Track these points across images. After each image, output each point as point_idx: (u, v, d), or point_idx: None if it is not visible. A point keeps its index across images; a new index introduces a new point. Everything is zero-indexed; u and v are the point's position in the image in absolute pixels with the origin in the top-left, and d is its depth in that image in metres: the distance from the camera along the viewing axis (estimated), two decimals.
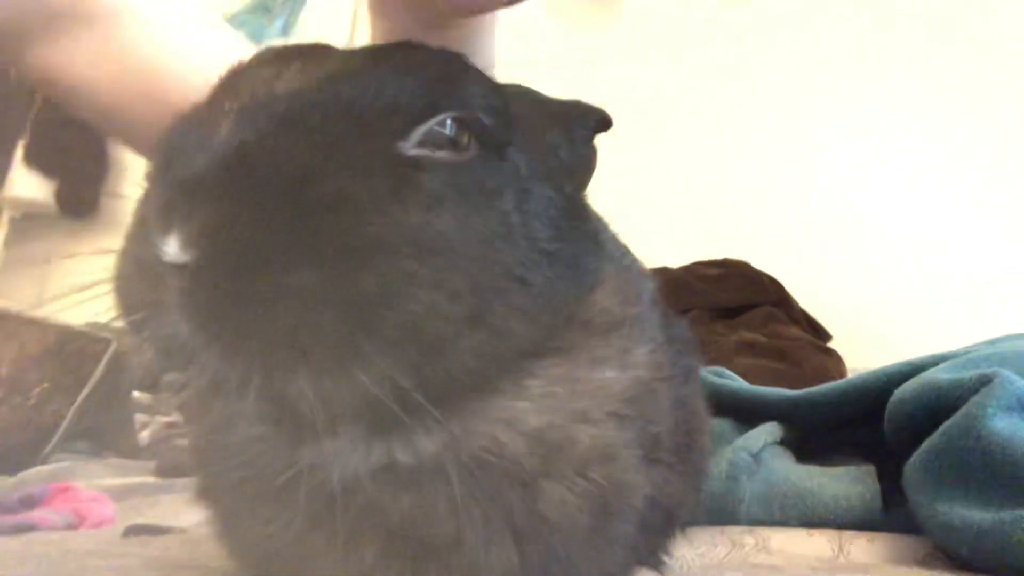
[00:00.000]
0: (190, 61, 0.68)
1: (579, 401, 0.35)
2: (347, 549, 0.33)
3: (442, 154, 0.31)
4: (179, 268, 0.28)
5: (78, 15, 0.65)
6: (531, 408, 0.34)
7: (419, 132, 0.31)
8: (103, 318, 0.32)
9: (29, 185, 3.03)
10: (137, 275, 0.30)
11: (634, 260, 0.45)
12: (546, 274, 0.33)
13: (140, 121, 0.69)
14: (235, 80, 0.34)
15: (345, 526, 0.33)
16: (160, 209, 0.28)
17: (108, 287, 0.31)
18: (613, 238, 0.44)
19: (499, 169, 0.33)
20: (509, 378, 0.33)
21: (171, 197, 0.28)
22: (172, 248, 0.27)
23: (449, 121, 0.32)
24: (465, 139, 0.32)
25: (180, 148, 0.30)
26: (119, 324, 0.31)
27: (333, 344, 0.27)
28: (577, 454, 0.34)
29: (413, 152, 0.31)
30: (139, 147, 0.73)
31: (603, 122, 0.41)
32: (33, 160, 3.02)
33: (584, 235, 0.38)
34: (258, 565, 0.37)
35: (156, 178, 0.30)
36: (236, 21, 3.08)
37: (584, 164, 0.40)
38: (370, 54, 0.34)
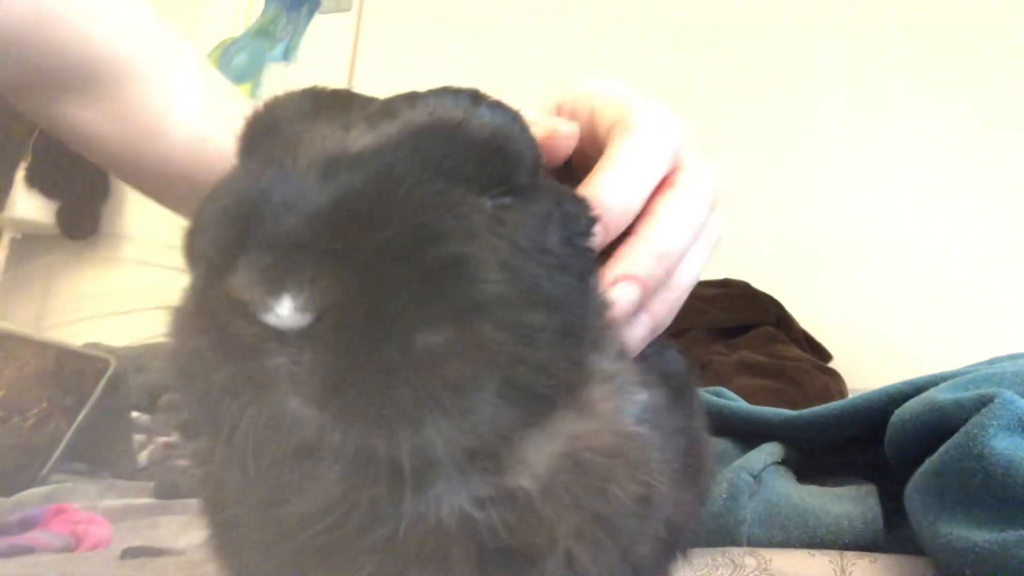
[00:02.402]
0: (195, 126, 0.72)
1: (624, 410, 0.37)
2: (441, 572, 0.34)
3: (507, 200, 0.33)
4: (289, 342, 0.27)
5: (91, 75, 0.70)
6: (597, 419, 0.36)
7: (496, 191, 0.33)
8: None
9: (30, 206, 3.05)
10: (212, 356, 0.28)
11: None
12: (585, 292, 0.36)
13: (147, 171, 0.74)
14: (284, 132, 0.33)
15: (446, 555, 0.33)
16: (262, 272, 0.27)
17: (167, 364, 0.30)
18: None
19: (540, 206, 0.35)
20: (574, 393, 0.35)
21: (276, 259, 0.27)
22: (286, 311, 0.26)
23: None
24: (512, 188, 0.34)
25: (259, 211, 0.28)
26: (182, 400, 0.30)
27: (458, 394, 0.28)
28: (631, 457, 0.36)
29: (492, 205, 0.33)
30: (147, 192, 0.78)
31: None
32: (34, 181, 3.04)
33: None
34: None
35: (233, 247, 0.28)
36: (238, 45, 3.11)
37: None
38: (424, 104, 0.34)
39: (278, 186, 0.29)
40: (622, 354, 0.40)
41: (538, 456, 0.33)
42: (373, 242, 0.28)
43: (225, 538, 0.40)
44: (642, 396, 0.39)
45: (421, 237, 0.29)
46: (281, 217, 0.28)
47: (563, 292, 0.33)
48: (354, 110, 0.34)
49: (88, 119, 0.71)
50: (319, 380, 0.27)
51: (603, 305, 0.39)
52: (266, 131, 0.34)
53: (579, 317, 0.34)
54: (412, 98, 0.34)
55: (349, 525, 0.32)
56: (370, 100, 0.36)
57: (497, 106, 0.35)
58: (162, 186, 0.77)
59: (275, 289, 0.26)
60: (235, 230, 0.29)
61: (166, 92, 0.73)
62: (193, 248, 0.31)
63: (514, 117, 0.35)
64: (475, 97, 0.34)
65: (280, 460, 0.30)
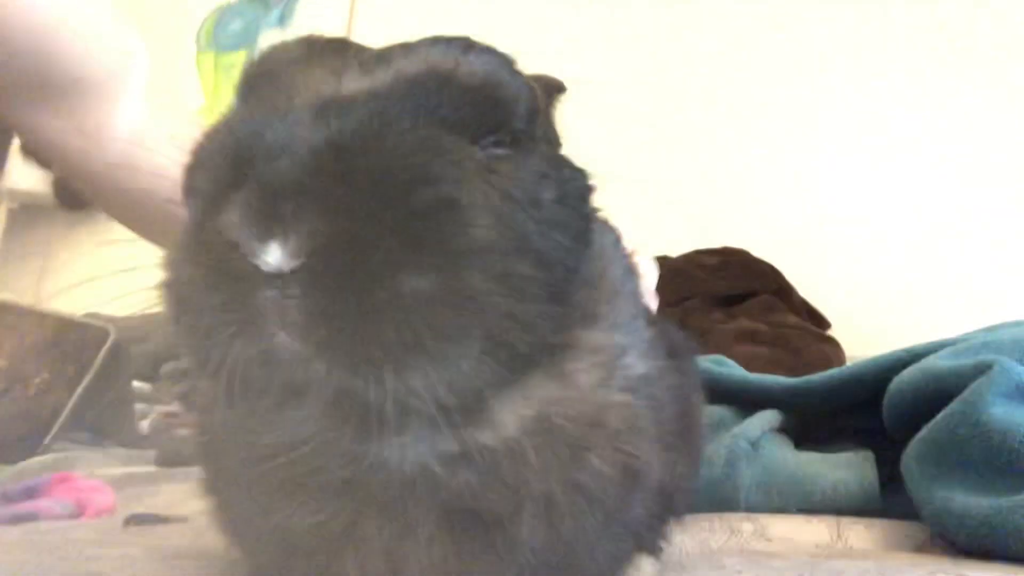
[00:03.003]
0: (129, 139, 0.73)
1: (610, 382, 0.37)
2: (402, 529, 0.33)
3: (501, 151, 0.33)
4: (280, 277, 0.27)
5: (63, 87, 0.70)
6: (576, 388, 0.36)
7: (489, 140, 0.33)
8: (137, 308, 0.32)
9: (27, 177, 3.03)
10: (205, 284, 0.28)
11: (622, 252, 0.45)
12: (577, 255, 0.35)
13: (111, 189, 0.75)
14: (280, 77, 0.33)
15: (404, 508, 0.33)
16: (252, 215, 0.27)
17: (161, 295, 0.30)
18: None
19: (535, 162, 0.34)
20: (555, 360, 0.35)
21: (266, 202, 0.27)
22: (274, 256, 0.26)
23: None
24: (508, 139, 0.34)
25: (253, 150, 0.28)
26: (175, 332, 0.30)
27: (445, 340, 0.28)
28: (612, 427, 0.36)
29: (485, 155, 0.32)
30: (107, 208, 0.81)
31: (560, 88, 0.42)
32: (30, 152, 3.01)
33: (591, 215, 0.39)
34: (283, 555, 0.37)
35: (228, 183, 0.28)
36: (233, 12, 3.07)
37: (557, 136, 0.41)
38: (416, 52, 0.34)
39: (272, 127, 0.29)
40: (619, 326, 0.39)
41: (508, 417, 0.33)
42: (363, 184, 0.28)
43: (208, 464, 0.40)
44: (638, 369, 0.39)
45: (411, 180, 0.28)
46: (273, 158, 0.28)
47: (553, 248, 0.33)
48: (349, 57, 0.34)
49: (56, 129, 0.72)
50: (306, 315, 0.27)
51: (600, 275, 0.38)
52: (262, 76, 0.34)
53: (568, 278, 0.34)
54: (406, 47, 0.34)
55: (312, 462, 0.32)
56: (365, 49, 0.35)
57: (488, 52, 0.35)
58: (106, 198, 0.79)
59: (263, 234, 0.27)
60: (230, 167, 0.29)
61: (113, 106, 0.74)
62: (190, 183, 0.31)
63: (505, 62, 0.35)
64: (467, 45, 0.34)
65: (264, 392, 0.30)
